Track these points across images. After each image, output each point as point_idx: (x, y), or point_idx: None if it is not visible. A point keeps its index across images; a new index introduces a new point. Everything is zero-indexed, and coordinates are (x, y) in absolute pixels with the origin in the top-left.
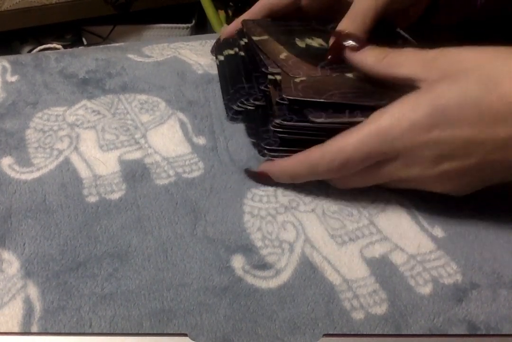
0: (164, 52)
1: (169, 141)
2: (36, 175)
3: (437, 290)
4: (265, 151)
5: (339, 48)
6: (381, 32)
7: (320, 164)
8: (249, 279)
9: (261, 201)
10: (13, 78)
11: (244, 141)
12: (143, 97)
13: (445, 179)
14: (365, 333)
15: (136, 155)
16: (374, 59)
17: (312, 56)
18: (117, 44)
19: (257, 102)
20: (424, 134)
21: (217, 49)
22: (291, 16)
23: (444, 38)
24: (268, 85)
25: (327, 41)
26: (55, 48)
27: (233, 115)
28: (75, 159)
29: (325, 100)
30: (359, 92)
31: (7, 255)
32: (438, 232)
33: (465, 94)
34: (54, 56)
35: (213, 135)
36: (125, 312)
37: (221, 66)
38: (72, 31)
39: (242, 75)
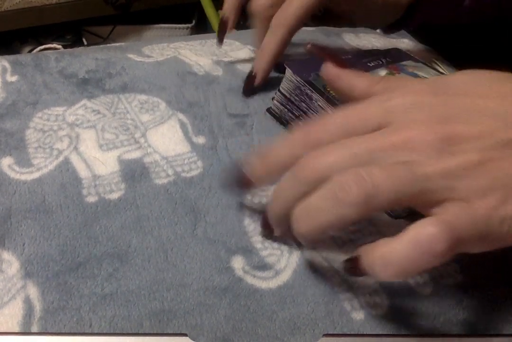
0: (164, 52)
1: (168, 141)
2: (35, 175)
3: (437, 290)
4: None
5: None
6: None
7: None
8: (249, 279)
9: (260, 203)
10: (13, 78)
11: (243, 139)
12: (143, 97)
13: None
14: (365, 333)
15: (136, 154)
16: (368, 82)
17: None
18: (117, 44)
19: None
20: None
21: None
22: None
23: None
24: None
25: None
26: (55, 48)
27: None
28: (74, 159)
29: None
30: None
31: (6, 255)
32: None
33: None
34: (54, 56)
35: (212, 135)
36: (125, 312)
37: None
38: (72, 31)
39: None
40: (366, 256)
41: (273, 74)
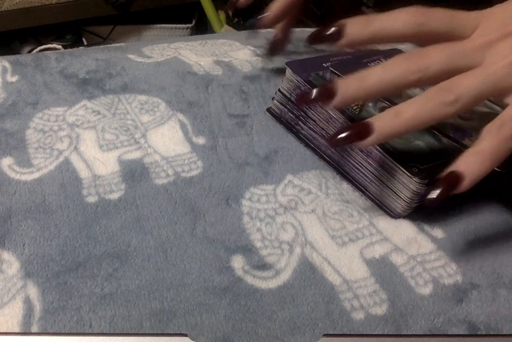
0: (164, 52)
1: (168, 141)
2: (36, 175)
3: (437, 290)
4: None
5: None
6: None
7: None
8: (249, 279)
9: (259, 201)
10: (13, 79)
11: (243, 139)
12: (143, 98)
13: None
14: (365, 333)
15: (136, 155)
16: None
17: None
18: (117, 44)
19: None
20: None
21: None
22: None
23: None
24: None
25: None
26: (55, 48)
27: None
28: (74, 159)
29: None
30: None
31: (7, 256)
32: (438, 232)
33: None
34: (54, 56)
35: (212, 135)
36: (125, 312)
37: None
38: (72, 31)
39: None
40: None
41: (274, 74)
